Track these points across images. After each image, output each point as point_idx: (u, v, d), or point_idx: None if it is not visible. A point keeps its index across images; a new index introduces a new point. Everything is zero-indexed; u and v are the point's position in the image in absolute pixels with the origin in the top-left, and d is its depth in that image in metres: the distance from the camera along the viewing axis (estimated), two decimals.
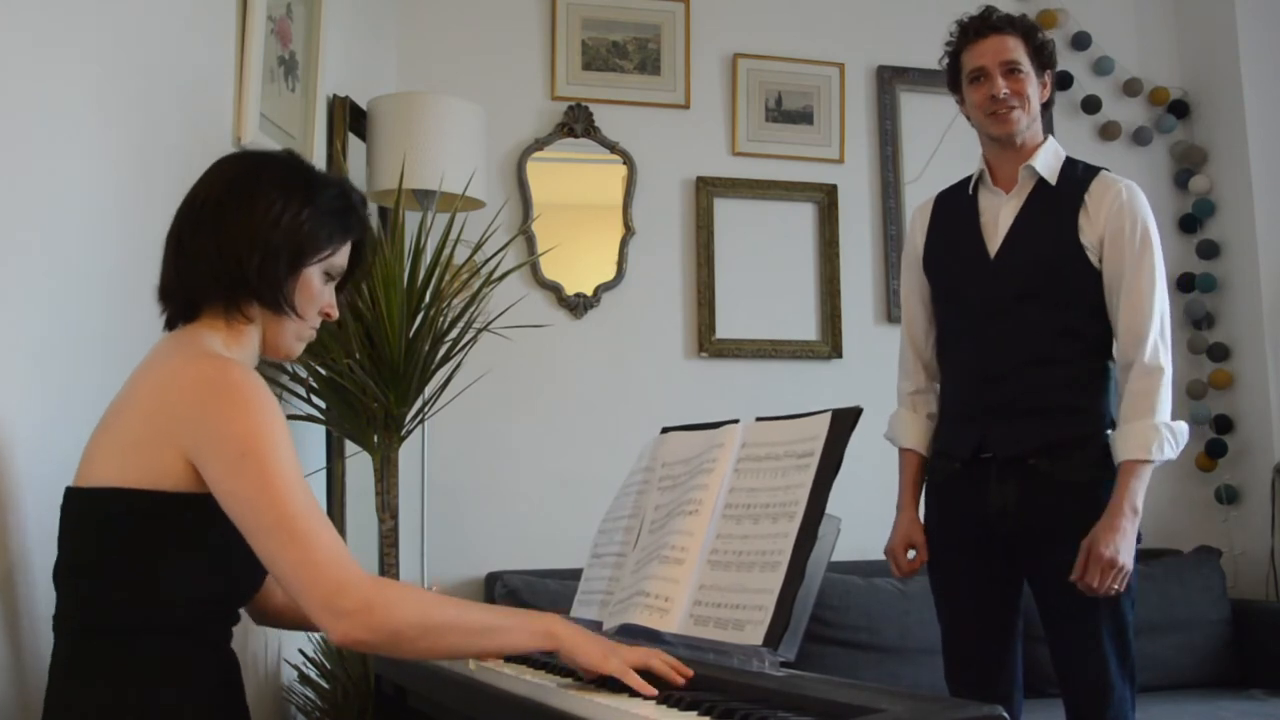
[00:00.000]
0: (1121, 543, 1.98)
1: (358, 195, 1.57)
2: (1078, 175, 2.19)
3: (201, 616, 1.39)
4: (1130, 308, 2.09)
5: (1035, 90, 2.20)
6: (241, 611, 1.50)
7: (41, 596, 1.51)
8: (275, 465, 1.29)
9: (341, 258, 1.53)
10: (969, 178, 2.32)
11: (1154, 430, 2.02)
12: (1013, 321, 2.13)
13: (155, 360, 1.42)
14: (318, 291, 1.50)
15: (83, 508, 1.36)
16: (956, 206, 2.30)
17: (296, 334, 1.51)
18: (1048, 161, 2.20)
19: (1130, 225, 2.10)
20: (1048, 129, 2.11)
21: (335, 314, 1.55)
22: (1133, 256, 2.09)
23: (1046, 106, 2.25)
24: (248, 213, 1.43)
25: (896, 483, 2.33)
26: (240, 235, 1.42)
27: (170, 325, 1.49)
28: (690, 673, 1.33)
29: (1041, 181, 2.19)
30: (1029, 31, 2.22)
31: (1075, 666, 2.08)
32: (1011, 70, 2.17)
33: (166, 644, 1.35)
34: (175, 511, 1.33)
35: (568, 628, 1.39)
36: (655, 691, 1.29)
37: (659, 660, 1.34)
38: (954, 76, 2.28)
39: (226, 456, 1.29)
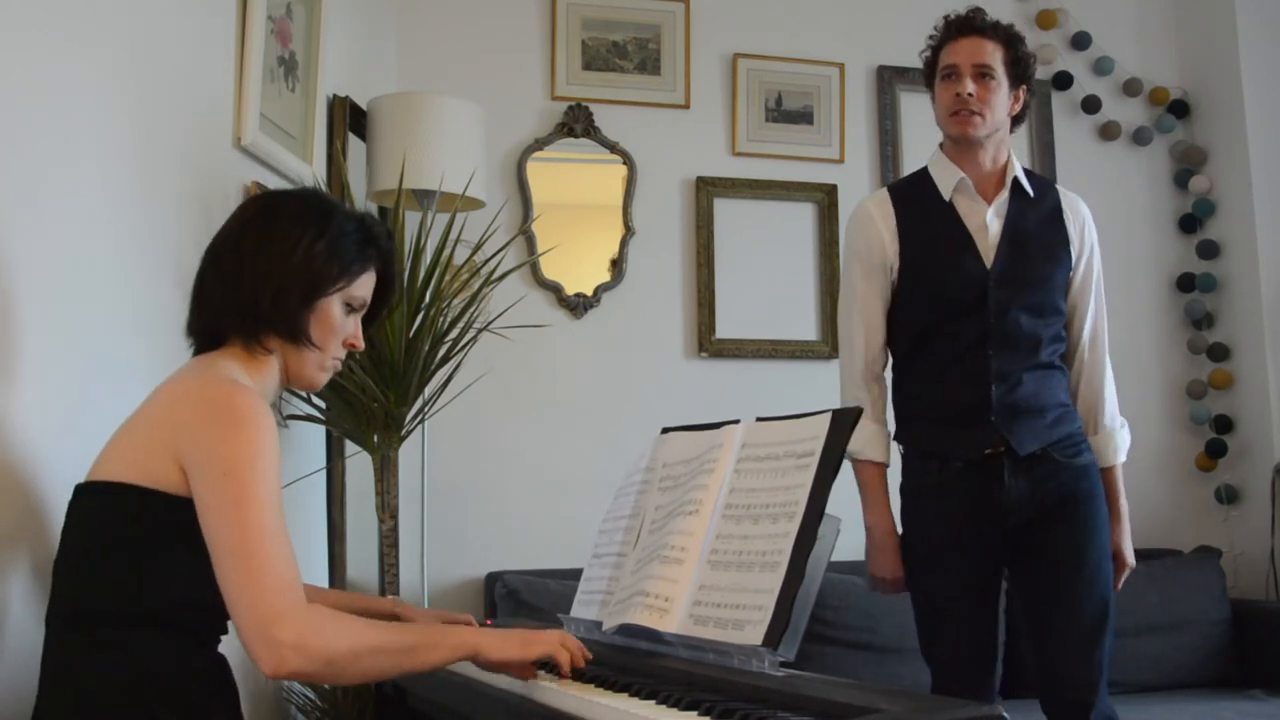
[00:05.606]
0: (1130, 543, 2.28)
1: (380, 228, 1.59)
2: (1043, 187, 2.29)
3: (192, 616, 1.40)
4: (1098, 318, 2.29)
5: (1003, 101, 2.19)
6: None
7: (35, 592, 1.51)
8: (254, 490, 1.32)
9: (361, 288, 1.55)
10: (915, 176, 2.32)
11: (1126, 435, 2.32)
12: (1014, 327, 2.16)
13: (175, 379, 1.48)
14: (339, 323, 1.53)
15: (87, 500, 1.41)
16: (929, 211, 2.24)
17: (318, 365, 1.54)
18: (1021, 173, 2.25)
19: (1095, 242, 2.29)
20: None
21: (360, 345, 1.58)
22: (1097, 271, 2.29)
23: (1017, 120, 2.27)
24: (263, 246, 1.47)
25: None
26: (255, 269, 1.47)
27: (197, 354, 1.54)
28: (589, 655, 1.47)
29: (1019, 191, 2.23)
30: (1011, 41, 2.22)
31: (1073, 652, 2.12)
32: (983, 74, 2.17)
33: (157, 640, 1.37)
34: (171, 512, 1.36)
35: (481, 635, 1.43)
36: (566, 673, 1.44)
37: (569, 642, 1.46)
38: (930, 71, 2.29)
39: (211, 472, 1.33)
